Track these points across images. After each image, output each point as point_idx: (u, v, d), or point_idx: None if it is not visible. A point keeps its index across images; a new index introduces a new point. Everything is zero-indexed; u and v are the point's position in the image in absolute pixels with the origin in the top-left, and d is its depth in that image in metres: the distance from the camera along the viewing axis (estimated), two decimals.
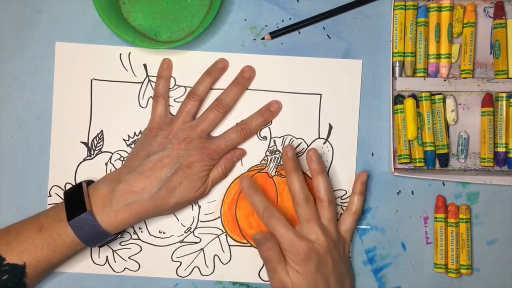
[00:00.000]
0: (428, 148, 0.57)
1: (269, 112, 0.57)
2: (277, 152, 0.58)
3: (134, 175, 0.53)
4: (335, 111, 0.58)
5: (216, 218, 0.58)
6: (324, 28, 0.58)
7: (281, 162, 0.58)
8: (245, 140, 0.57)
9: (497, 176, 0.56)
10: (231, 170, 0.58)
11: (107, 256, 0.58)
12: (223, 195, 0.58)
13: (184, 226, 0.58)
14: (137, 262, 0.58)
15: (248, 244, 0.58)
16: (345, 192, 0.58)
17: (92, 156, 0.58)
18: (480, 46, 0.58)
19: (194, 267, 0.58)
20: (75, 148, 0.58)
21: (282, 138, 0.58)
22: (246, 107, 0.58)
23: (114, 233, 0.53)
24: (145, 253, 0.58)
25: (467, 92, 0.58)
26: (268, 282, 0.57)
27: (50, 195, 0.58)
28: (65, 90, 0.58)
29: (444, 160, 0.57)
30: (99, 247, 0.57)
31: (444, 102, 0.57)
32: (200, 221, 0.58)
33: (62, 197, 0.57)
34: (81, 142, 0.58)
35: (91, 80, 0.58)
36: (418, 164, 0.57)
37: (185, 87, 0.58)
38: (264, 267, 0.58)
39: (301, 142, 0.58)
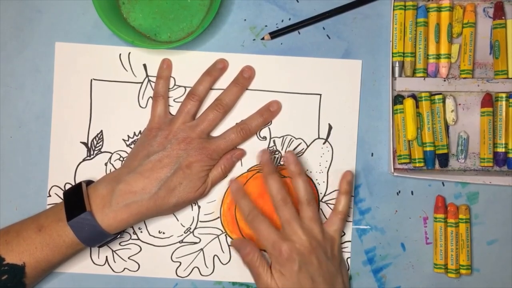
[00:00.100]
0: (428, 148, 0.57)
1: (269, 112, 0.57)
2: (277, 153, 0.58)
3: (134, 175, 0.53)
4: (335, 111, 0.58)
5: (216, 218, 0.58)
6: (324, 28, 0.58)
7: (281, 162, 0.58)
8: (245, 140, 0.57)
9: (497, 176, 0.56)
10: (231, 170, 0.58)
11: (106, 256, 0.58)
12: (222, 195, 0.58)
13: (184, 226, 0.58)
14: (136, 263, 0.58)
15: None
16: None
17: (92, 156, 0.58)
18: (479, 46, 0.58)
19: (194, 267, 0.58)
20: (74, 148, 0.58)
21: (281, 138, 0.58)
22: (246, 107, 0.58)
23: (113, 233, 0.53)
24: (144, 253, 0.58)
25: (467, 92, 0.58)
26: None
27: (50, 195, 0.58)
28: (65, 90, 0.58)
29: (444, 160, 0.57)
30: (99, 247, 0.56)
31: (443, 102, 0.57)
32: (200, 221, 0.58)
33: (62, 197, 0.57)
34: (80, 142, 0.58)
35: (91, 80, 0.58)
36: (417, 164, 0.57)
37: (184, 87, 0.58)
38: None
39: (301, 142, 0.58)
